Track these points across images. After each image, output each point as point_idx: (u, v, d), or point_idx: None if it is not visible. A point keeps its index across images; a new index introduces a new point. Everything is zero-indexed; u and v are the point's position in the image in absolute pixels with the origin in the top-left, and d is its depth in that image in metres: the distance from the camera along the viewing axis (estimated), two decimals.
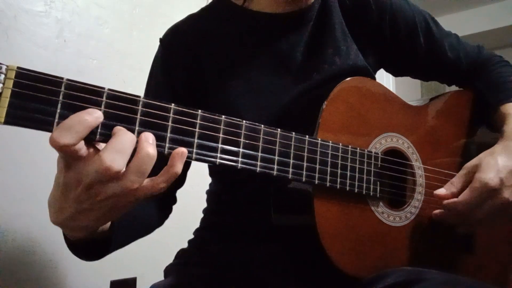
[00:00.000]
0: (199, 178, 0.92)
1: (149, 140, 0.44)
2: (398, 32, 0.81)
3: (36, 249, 0.96)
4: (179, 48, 0.76)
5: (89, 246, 0.54)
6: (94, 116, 0.41)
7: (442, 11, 2.93)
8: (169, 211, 0.81)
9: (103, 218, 0.47)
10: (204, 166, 0.85)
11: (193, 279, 0.71)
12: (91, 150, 0.42)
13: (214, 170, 0.83)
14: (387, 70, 0.91)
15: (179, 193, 0.80)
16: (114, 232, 0.55)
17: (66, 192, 0.44)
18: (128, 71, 1.21)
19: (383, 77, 1.00)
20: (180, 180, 0.79)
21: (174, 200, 0.82)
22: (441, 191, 0.68)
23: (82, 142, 0.41)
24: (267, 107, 0.71)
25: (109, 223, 0.54)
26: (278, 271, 0.69)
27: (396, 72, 0.91)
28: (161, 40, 0.78)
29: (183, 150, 0.46)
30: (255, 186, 0.70)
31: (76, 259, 0.55)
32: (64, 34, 1.07)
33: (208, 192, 0.86)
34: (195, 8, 0.82)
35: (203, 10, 0.81)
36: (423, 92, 3.46)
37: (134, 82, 1.20)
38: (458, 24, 2.91)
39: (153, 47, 0.81)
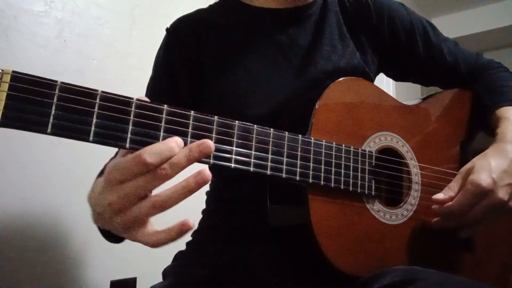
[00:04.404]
0: None
1: None
2: (397, 36, 0.84)
3: (36, 249, 0.96)
4: (182, 31, 0.79)
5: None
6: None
7: (441, 11, 2.93)
8: None
9: None
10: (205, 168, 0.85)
11: (191, 280, 0.71)
12: None
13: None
14: (387, 75, 0.93)
15: None
16: None
17: None
18: (128, 71, 1.21)
19: (383, 77, 1.01)
20: None
21: None
22: (439, 196, 0.68)
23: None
24: (270, 93, 0.73)
25: None
26: (277, 271, 0.69)
27: (396, 76, 0.93)
28: (167, 28, 0.82)
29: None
30: (253, 186, 0.70)
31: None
32: (64, 34, 1.07)
33: (207, 193, 0.87)
34: (195, 8, 0.83)
35: (210, 6, 0.86)
36: (423, 92, 3.45)
37: (134, 82, 1.20)
38: (458, 24, 2.91)
39: (154, 47, 0.82)
